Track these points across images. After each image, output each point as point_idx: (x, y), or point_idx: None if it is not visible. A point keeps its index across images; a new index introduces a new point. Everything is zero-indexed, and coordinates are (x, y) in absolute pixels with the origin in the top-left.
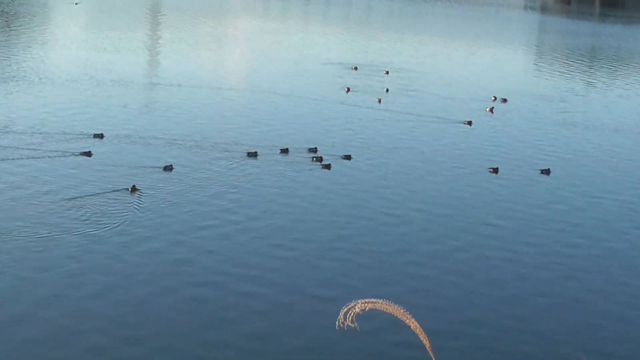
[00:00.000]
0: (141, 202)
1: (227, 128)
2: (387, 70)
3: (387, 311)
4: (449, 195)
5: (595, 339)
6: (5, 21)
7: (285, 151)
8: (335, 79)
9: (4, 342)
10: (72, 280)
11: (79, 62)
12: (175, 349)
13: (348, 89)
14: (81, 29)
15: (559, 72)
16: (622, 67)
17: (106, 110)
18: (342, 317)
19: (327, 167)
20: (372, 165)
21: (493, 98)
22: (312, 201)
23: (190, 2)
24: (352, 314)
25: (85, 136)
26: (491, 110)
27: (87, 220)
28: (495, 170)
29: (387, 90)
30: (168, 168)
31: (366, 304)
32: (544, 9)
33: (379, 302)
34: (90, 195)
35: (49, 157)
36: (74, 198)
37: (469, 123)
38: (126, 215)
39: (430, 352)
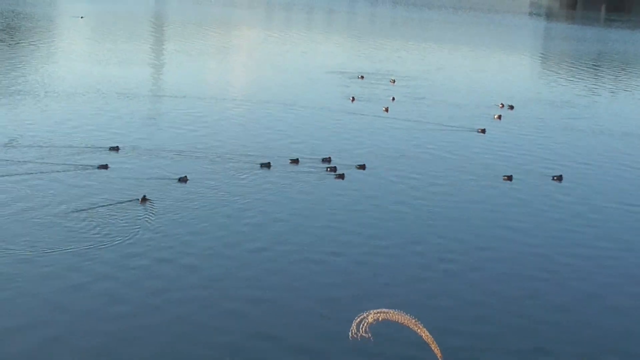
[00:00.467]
0: (159, 213)
1: (237, 139)
2: (393, 78)
3: (400, 321)
4: (466, 203)
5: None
6: (11, 35)
7: (295, 161)
8: (340, 88)
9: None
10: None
11: (84, 75)
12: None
13: (353, 98)
14: (86, 42)
15: (565, 78)
16: (628, 72)
17: (116, 123)
18: (354, 327)
19: (341, 176)
20: (387, 175)
21: (500, 105)
22: (329, 211)
23: (194, 13)
24: (365, 324)
25: (100, 149)
26: (499, 117)
27: (121, 230)
28: (509, 178)
29: (394, 98)
30: (183, 179)
31: (379, 314)
32: (549, 15)
33: (391, 312)
34: (110, 204)
35: (61, 170)
36: (97, 209)
37: (483, 131)
38: (147, 225)
39: None
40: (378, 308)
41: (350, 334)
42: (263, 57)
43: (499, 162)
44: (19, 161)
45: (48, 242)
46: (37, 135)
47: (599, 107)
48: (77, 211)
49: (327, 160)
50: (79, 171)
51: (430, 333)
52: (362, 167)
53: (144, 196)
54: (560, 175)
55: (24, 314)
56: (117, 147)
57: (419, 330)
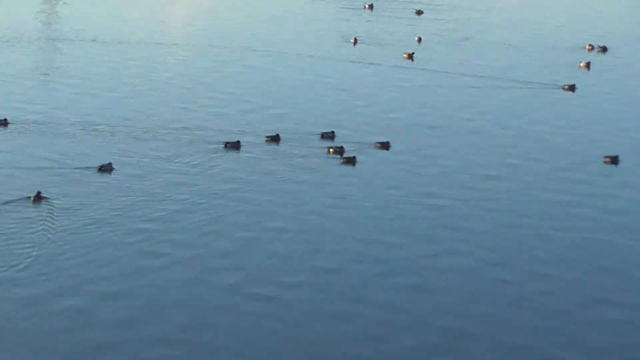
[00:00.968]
0: (58, 219)
1: (190, 107)
2: (419, 8)
3: None
4: (552, 203)
5: None
6: None
7: (275, 139)
8: (338, 23)
9: None
10: None
11: None
12: None
13: (355, 40)
14: None
15: None
16: None
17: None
18: None
19: (351, 161)
20: (420, 157)
21: (588, 47)
22: (331, 221)
23: None
24: None
25: None
26: (587, 65)
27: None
28: (614, 160)
29: (420, 39)
30: (106, 168)
31: None
32: None
33: None
34: None
35: None
36: None
37: (571, 88)
38: (39, 239)
39: None
40: None
41: None
42: None
43: (595, 136)
44: None
45: None
46: None
47: None
48: None
49: (328, 136)
50: None
51: None
52: (385, 145)
53: (38, 193)
54: None
55: None
56: (5, 120)
57: None
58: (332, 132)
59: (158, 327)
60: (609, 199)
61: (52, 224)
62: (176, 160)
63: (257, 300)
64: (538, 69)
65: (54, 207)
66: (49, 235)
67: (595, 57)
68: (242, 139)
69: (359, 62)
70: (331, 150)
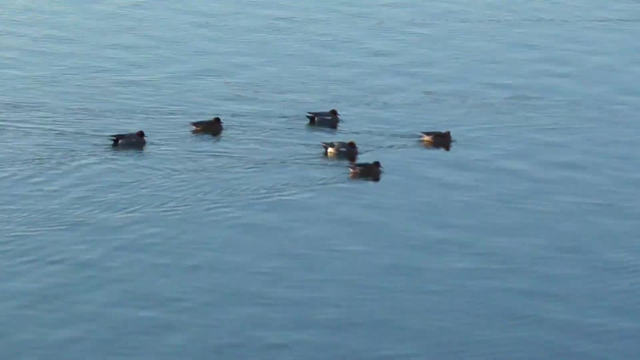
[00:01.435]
0: None
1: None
2: None
3: None
4: None
5: None
6: None
7: (214, 125)
8: None
9: None
10: None
11: None
12: None
13: None
14: None
15: None
16: None
17: None
18: None
19: (370, 172)
20: (511, 159)
21: None
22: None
23: None
24: None
25: None
26: None
27: None
28: None
29: None
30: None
31: None
32: None
33: None
34: None
35: None
36: None
37: None
38: None
39: None
40: None
41: None
42: None
43: None
44: None
45: None
46: None
47: None
48: None
49: (324, 119)
50: None
51: None
52: (441, 138)
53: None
54: None
55: None
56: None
57: None
58: (335, 112)
59: None
60: None
61: None
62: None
63: None
64: None
65: None
66: None
67: None
68: (146, 130)
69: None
70: (330, 150)
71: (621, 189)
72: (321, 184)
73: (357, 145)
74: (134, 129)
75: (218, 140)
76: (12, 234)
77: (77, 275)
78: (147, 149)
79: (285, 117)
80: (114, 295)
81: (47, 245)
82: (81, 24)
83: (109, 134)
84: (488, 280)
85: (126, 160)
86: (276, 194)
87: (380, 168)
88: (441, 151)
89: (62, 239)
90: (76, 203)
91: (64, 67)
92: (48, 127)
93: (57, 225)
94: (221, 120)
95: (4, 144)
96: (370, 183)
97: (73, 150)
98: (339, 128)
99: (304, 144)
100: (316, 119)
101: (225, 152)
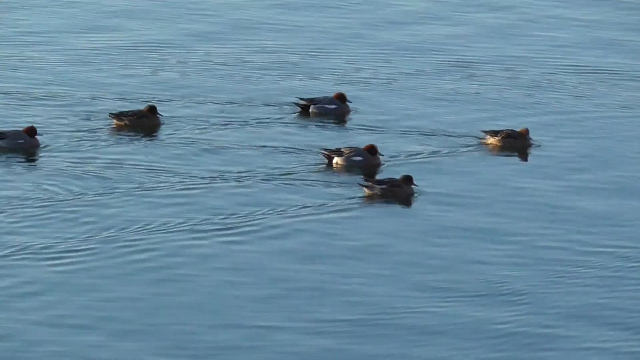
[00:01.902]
0: None
1: None
2: None
3: None
4: None
5: None
6: None
7: (146, 117)
8: None
9: None
10: None
11: None
12: None
13: None
14: None
15: None
16: None
17: None
18: None
19: (397, 193)
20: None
21: None
22: None
23: None
24: None
25: None
26: None
27: None
28: None
29: None
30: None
31: None
32: None
33: None
34: None
35: None
36: None
37: None
38: None
39: None
40: None
41: None
42: None
43: None
44: None
45: None
46: None
47: None
48: None
49: (321, 105)
50: None
51: None
52: (516, 138)
53: None
54: None
55: None
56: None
57: None
58: (338, 99)
59: None
60: None
61: None
62: None
63: None
64: None
65: None
66: None
67: None
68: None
69: None
70: (337, 161)
71: None
72: (318, 212)
73: (379, 151)
74: (21, 123)
75: (152, 142)
76: None
77: None
78: (40, 153)
79: (268, 104)
80: None
81: None
82: None
83: None
84: None
85: (7, 168)
86: (238, 229)
87: (413, 186)
88: (515, 158)
89: None
90: None
91: None
92: None
93: None
94: (158, 111)
95: None
96: (397, 208)
97: None
98: (348, 122)
99: (291, 151)
100: (312, 108)
101: (160, 164)
